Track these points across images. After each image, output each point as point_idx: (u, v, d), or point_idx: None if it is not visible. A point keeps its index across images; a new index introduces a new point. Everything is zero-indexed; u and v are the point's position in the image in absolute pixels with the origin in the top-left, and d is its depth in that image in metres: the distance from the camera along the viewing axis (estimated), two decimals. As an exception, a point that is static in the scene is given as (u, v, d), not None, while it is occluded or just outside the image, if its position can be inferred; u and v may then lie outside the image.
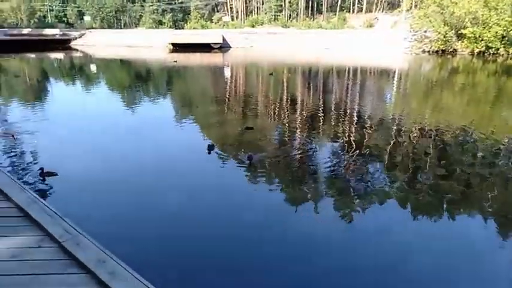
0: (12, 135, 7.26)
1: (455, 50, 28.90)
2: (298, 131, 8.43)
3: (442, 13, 28.57)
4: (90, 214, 4.39)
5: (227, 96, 13.57)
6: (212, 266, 3.62)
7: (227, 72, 20.85)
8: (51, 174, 5.38)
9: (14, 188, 3.86)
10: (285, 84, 16.87)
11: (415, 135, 8.10)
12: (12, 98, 13.20)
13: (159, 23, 66.02)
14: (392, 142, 7.58)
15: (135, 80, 19.16)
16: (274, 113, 10.45)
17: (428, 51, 29.30)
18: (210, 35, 36.77)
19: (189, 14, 63.21)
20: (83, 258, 2.75)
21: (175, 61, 25.18)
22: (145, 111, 10.84)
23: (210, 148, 6.84)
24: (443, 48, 28.93)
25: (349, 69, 22.84)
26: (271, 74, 19.59)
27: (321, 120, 9.41)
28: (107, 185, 5.41)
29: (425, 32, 29.56)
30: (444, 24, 28.33)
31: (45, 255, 2.86)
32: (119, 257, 2.81)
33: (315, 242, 4.11)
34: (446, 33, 28.29)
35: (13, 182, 4.03)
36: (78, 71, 22.31)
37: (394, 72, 21.59)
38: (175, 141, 7.79)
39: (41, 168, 5.43)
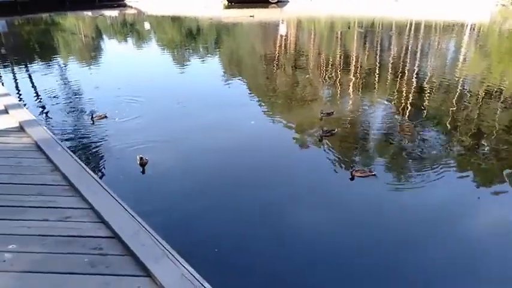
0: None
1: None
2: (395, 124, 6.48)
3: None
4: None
5: (298, 59, 12.27)
6: None
7: (284, 30, 19.26)
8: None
9: (116, 210, 2.71)
10: (356, 42, 15.18)
11: (486, 99, 7.41)
12: (70, 56, 13.02)
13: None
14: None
15: (188, 39, 17.94)
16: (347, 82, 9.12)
17: None
18: (268, -11, 33.86)
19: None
20: None
21: (252, 16, 24.57)
22: (207, 80, 9.64)
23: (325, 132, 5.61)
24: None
25: (422, 23, 20.12)
26: (348, 27, 18.77)
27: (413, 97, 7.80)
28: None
29: None
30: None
31: None
32: None
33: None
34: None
35: (112, 200, 2.87)
36: (133, 29, 21.45)
37: (475, 26, 18.74)
38: (252, 124, 6.43)
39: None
